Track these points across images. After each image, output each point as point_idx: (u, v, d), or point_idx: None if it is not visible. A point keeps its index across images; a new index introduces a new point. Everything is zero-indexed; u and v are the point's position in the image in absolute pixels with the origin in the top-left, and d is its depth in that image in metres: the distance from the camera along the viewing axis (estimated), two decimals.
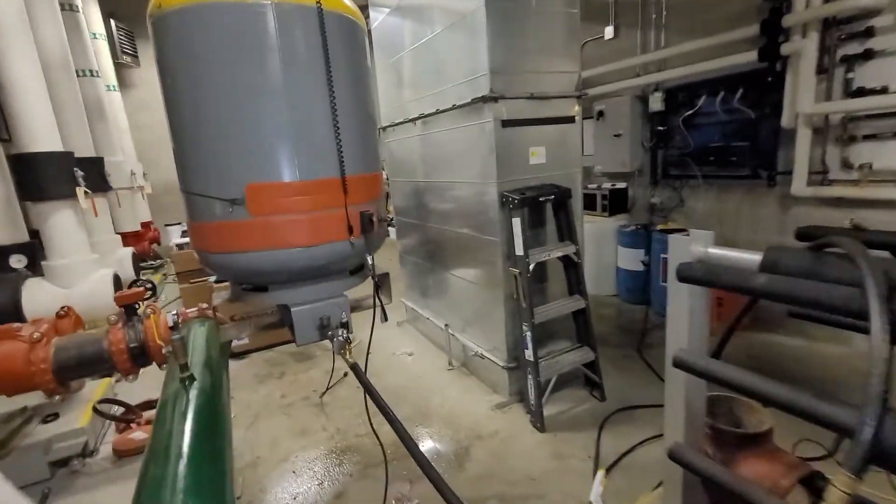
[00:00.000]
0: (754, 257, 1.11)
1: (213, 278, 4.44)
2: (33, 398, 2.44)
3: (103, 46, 6.21)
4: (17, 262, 3.41)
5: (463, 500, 1.37)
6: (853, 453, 0.73)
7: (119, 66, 6.96)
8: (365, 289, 2.06)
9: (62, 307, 2.79)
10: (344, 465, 2.54)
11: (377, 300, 1.99)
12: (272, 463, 2.61)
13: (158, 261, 6.90)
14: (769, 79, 3.39)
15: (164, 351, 1.79)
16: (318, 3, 1.67)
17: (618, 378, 3.16)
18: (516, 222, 2.59)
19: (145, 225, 6.73)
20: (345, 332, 1.77)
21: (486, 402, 3.01)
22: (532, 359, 2.64)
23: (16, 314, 3.29)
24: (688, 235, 1.24)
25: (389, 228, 2.02)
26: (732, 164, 3.86)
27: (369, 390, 1.58)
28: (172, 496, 0.81)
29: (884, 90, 2.86)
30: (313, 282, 1.90)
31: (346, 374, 3.46)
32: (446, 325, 3.54)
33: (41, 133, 3.51)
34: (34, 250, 3.68)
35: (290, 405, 3.21)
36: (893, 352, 0.74)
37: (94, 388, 3.06)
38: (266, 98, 1.63)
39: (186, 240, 4.69)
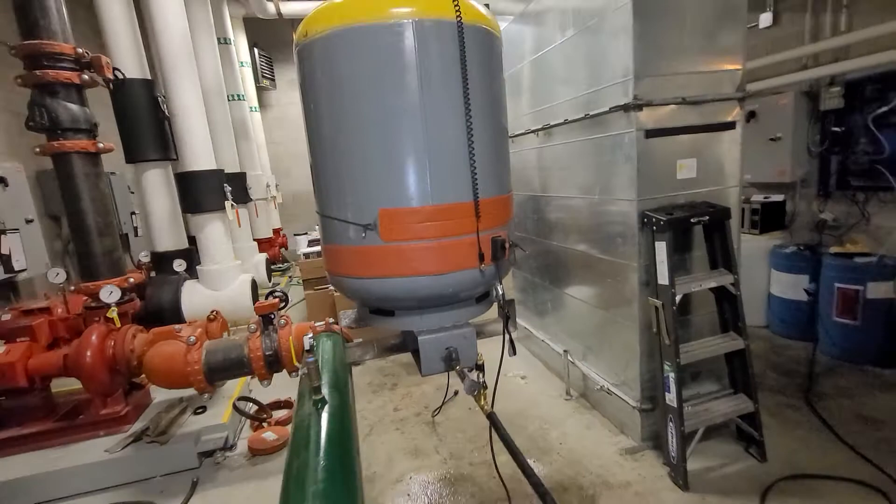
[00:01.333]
0: None
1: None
2: (187, 391, 2.73)
3: (248, 73, 6.99)
4: (179, 266, 3.89)
5: None
6: None
7: (259, 90, 7.81)
8: (489, 313, 1.92)
9: (212, 311, 3.10)
10: (459, 495, 2.42)
11: (507, 333, 1.83)
12: (388, 481, 2.59)
13: (286, 264, 7.58)
14: None
15: (299, 373, 1.84)
16: (457, 16, 1.57)
17: (780, 434, 2.62)
18: (661, 247, 2.26)
19: (276, 231, 7.44)
20: (480, 375, 1.63)
21: (613, 445, 2.69)
22: (675, 405, 2.27)
23: (176, 311, 3.76)
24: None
25: (517, 251, 1.85)
26: None
27: (509, 446, 1.41)
28: None
29: None
30: (439, 309, 1.80)
31: (456, 393, 3.37)
32: (565, 350, 3.26)
33: (201, 153, 3.99)
34: (192, 256, 4.19)
35: (403, 420, 3.20)
36: None
37: (233, 386, 3.36)
38: (404, 119, 1.57)
39: (313, 249, 5.02)
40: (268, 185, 6.63)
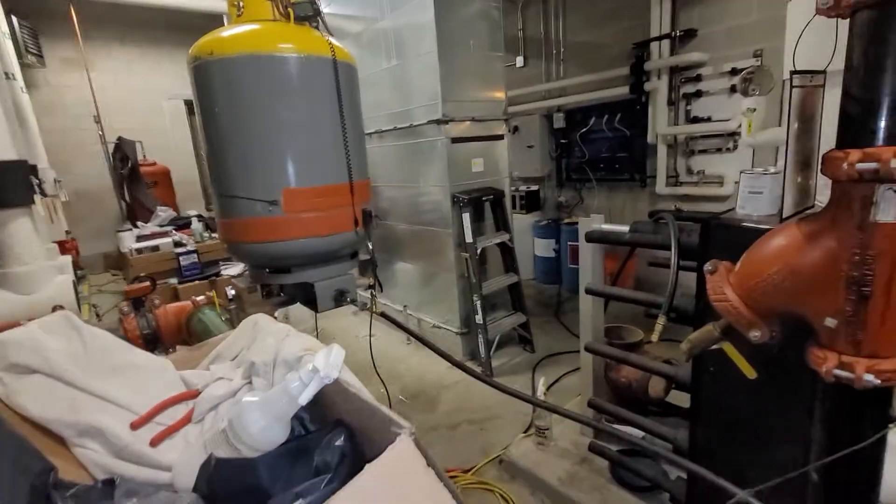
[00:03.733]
0: (625, 227, 1.96)
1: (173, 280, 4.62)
2: None
3: (10, 47, 5.86)
4: None
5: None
6: (663, 306, 1.57)
7: (24, 67, 6.51)
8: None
9: (54, 306, 2.99)
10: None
11: (374, 274, 2.62)
12: None
13: (81, 271, 6.58)
14: (638, 107, 4.55)
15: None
16: (332, 55, 2.28)
17: (543, 337, 4.06)
18: (465, 217, 3.35)
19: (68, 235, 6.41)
20: (371, 294, 2.39)
21: (444, 364, 3.73)
22: (482, 322, 3.42)
23: None
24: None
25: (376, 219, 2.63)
26: (616, 170, 5.00)
27: (401, 326, 2.23)
28: None
29: (708, 119, 4.10)
30: (326, 264, 2.49)
31: None
32: (405, 306, 4.19)
33: None
34: None
35: None
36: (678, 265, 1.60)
37: None
38: (299, 125, 2.21)
39: (145, 244, 4.78)
40: (56, 181, 5.71)
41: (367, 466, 0.75)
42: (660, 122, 4.33)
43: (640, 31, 4.37)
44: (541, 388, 2.44)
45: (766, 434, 1.40)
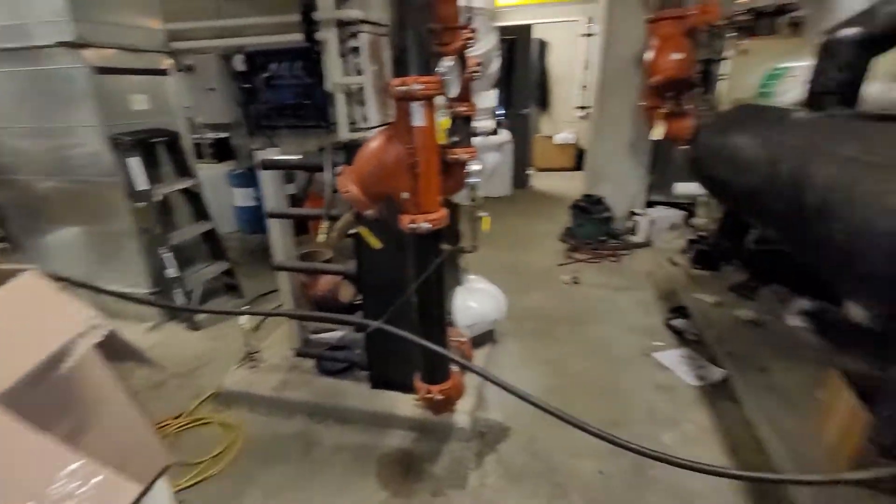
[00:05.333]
0: (296, 157, 2.25)
1: None
2: None
3: None
4: None
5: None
6: (323, 213, 1.97)
7: None
8: None
9: None
10: None
11: None
12: None
13: None
14: (315, 55, 4.84)
15: None
16: None
17: (252, 285, 4.11)
18: (134, 162, 2.98)
19: None
20: None
21: (139, 331, 3.35)
22: (176, 275, 3.21)
23: None
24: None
25: None
26: (304, 117, 5.25)
27: None
28: None
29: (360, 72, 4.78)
30: None
31: None
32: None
33: None
34: None
35: None
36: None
37: None
38: None
39: None
40: None
41: None
42: (334, 73, 4.76)
43: None
44: (246, 327, 2.60)
45: (398, 283, 1.97)
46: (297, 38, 4.73)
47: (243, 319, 2.68)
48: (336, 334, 2.80)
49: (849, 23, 1.58)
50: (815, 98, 1.67)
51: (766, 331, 2.72)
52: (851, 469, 1.21)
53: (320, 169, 2.05)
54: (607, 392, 2.66)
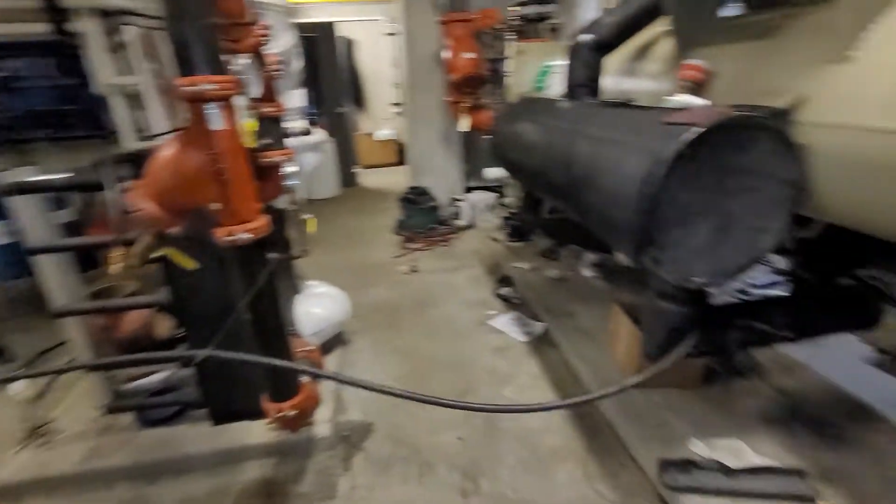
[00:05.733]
0: (57, 176, 1.84)
1: None
2: None
3: None
4: None
5: None
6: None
7: None
8: None
9: None
10: None
11: None
12: None
13: None
14: (71, 51, 3.97)
15: None
16: None
17: (29, 340, 3.24)
18: None
19: None
20: None
21: None
22: None
23: None
24: None
25: None
26: (70, 126, 4.28)
27: None
28: None
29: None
30: None
31: None
32: None
33: None
34: None
35: None
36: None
37: None
38: None
39: None
40: None
41: None
42: (104, 72, 3.99)
43: None
44: (23, 396, 2.05)
45: (224, 303, 1.77)
46: (42, 28, 3.75)
47: (17, 387, 2.11)
48: (158, 377, 2.41)
49: (584, 30, 1.99)
50: (572, 90, 2.06)
51: (570, 283, 3.28)
52: (633, 376, 1.55)
53: (101, 187, 1.73)
54: (454, 365, 2.88)
